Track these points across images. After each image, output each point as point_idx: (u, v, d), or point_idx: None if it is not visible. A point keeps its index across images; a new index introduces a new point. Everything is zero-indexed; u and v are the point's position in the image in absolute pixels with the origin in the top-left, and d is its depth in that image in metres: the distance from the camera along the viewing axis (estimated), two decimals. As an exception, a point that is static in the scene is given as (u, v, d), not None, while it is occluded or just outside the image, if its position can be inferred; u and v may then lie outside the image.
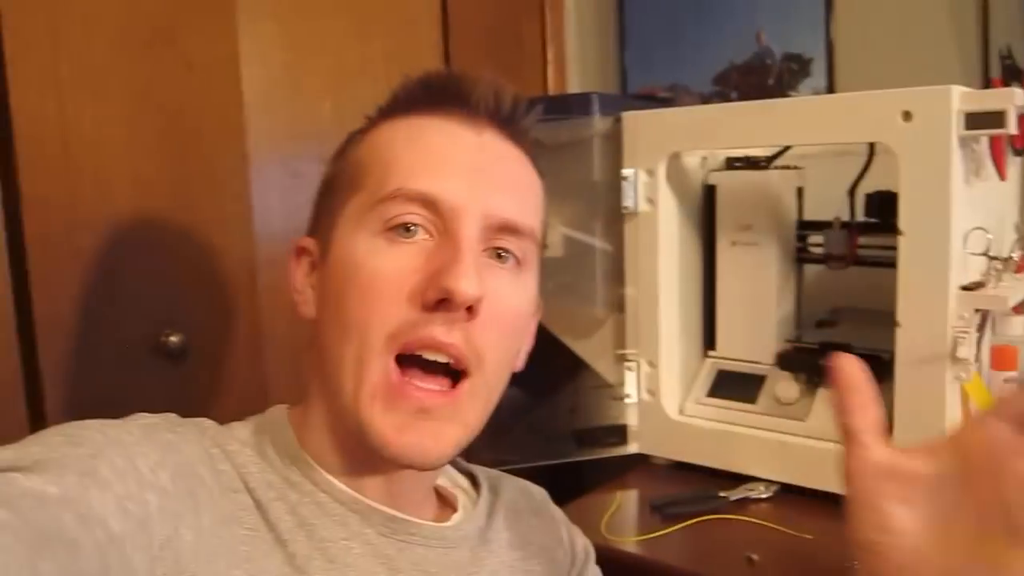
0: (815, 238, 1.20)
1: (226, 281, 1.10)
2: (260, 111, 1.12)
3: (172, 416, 0.60)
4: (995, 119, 0.91)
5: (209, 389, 1.09)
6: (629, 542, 1.02)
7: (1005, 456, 0.45)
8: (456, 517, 0.69)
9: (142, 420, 0.57)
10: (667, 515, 1.06)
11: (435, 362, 0.59)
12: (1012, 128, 0.91)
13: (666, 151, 1.17)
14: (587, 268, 1.27)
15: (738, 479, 1.13)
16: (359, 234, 0.61)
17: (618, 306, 1.26)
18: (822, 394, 1.14)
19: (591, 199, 1.25)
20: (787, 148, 1.21)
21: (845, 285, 1.26)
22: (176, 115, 1.04)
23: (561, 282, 1.29)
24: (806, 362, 1.16)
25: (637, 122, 1.18)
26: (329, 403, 0.63)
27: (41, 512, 0.42)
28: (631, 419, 1.25)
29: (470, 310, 0.58)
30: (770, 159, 1.23)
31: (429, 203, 0.59)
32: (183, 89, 1.04)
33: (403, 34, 1.33)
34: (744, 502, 1.08)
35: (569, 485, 1.19)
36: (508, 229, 0.62)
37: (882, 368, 1.06)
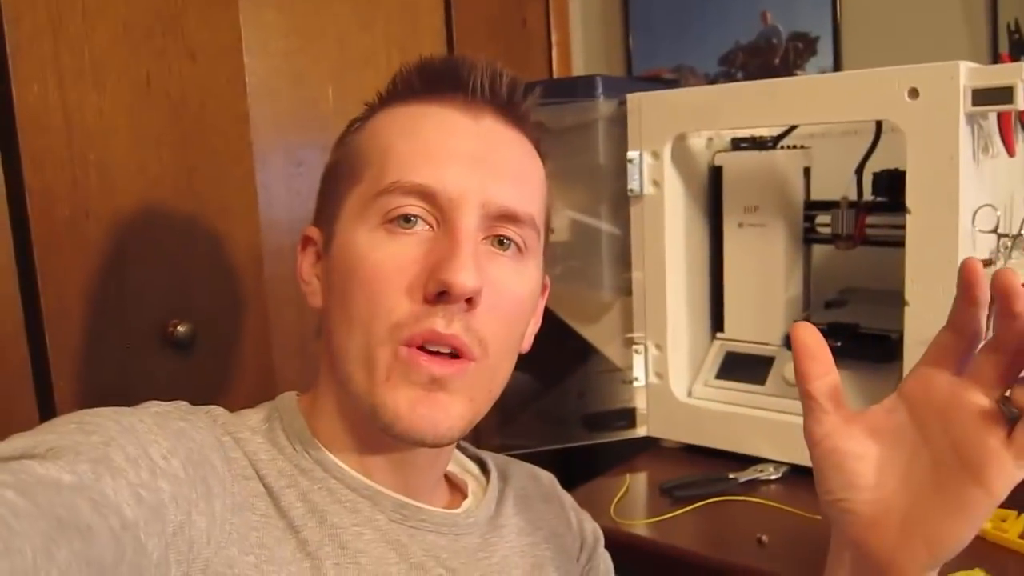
0: (823, 218, 1.19)
1: (233, 270, 1.10)
2: (263, 99, 1.12)
3: (183, 404, 0.61)
4: (1003, 95, 0.90)
5: (217, 378, 1.09)
6: (639, 525, 1.02)
7: (947, 399, 0.49)
8: (466, 503, 0.69)
9: (154, 408, 0.58)
10: (676, 498, 1.06)
11: (437, 352, 0.59)
12: (1021, 104, 0.90)
13: (671, 133, 1.16)
14: (594, 252, 1.27)
15: (747, 461, 1.13)
16: (360, 226, 0.61)
17: (625, 290, 1.25)
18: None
19: (597, 183, 1.25)
20: (793, 128, 1.20)
21: (853, 265, 1.25)
22: (179, 104, 1.04)
23: (568, 266, 1.29)
24: (814, 343, 1.16)
25: (642, 104, 1.18)
26: (339, 390, 0.63)
27: (56, 499, 0.42)
28: (640, 402, 1.25)
29: (469, 301, 0.58)
30: (776, 139, 1.22)
31: (427, 195, 0.59)
32: (186, 78, 1.04)
33: (405, 20, 1.32)
34: (753, 484, 1.08)
35: (578, 469, 1.20)
36: (508, 217, 0.61)
37: (891, 347, 1.06)
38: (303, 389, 0.69)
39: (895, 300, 1.00)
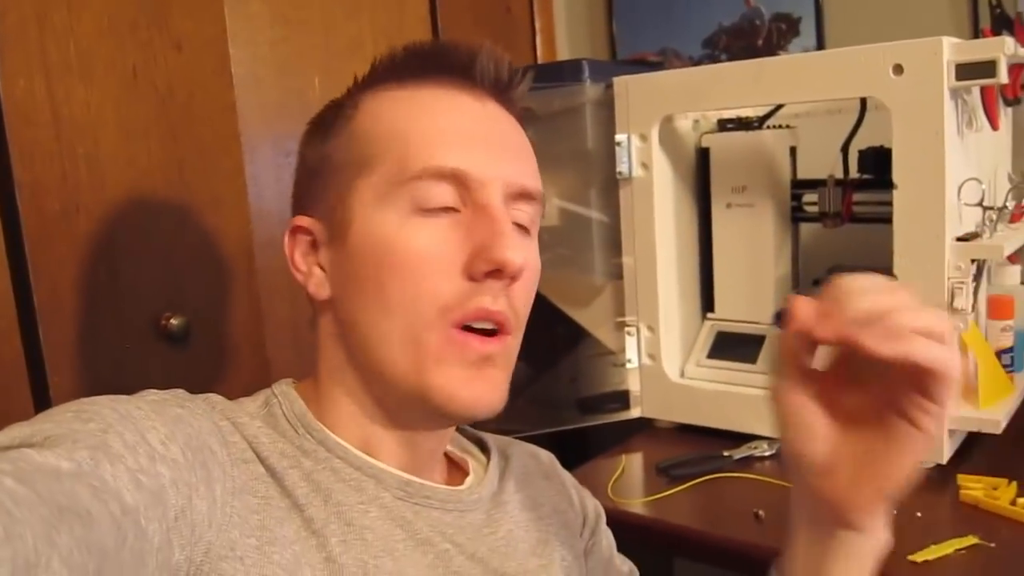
0: (810, 197, 1.20)
1: (224, 262, 1.10)
2: (250, 90, 1.12)
3: (180, 392, 0.61)
4: (986, 69, 0.91)
5: (212, 369, 1.09)
6: (636, 504, 1.03)
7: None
8: (469, 481, 0.70)
9: (151, 396, 0.58)
10: (673, 476, 1.07)
11: (483, 329, 0.61)
12: (1003, 77, 0.91)
13: (659, 115, 1.17)
14: (584, 237, 1.28)
15: (741, 438, 1.14)
16: (387, 214, 0.61)
17: (616, 273, 1.26)
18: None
19: (585, 167, 1.25)
20: (779, 107, 1.21)
21: (841, 243, 1.26)
22: (167, 96, 1.03)
23: (559, 253, 1.29)
24: (805, 320, 1.17)
25: (628, 86, 1.18)
26: (364, 378, 0.64)
27: (55, 486, 0.43)
28: (633, 384, 1.26)
29: (512, 277, 0.61)
30: (762, 119, 1.23)
31: (459, 179, 0.61)
32: (172, 69, 1.04)
33: (391, 8, 1.32)
34: (748, 460, 1.10)
35: (574, 452, 1.20)
36: (523, 196, 0.64)
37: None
38: (298, 377, 0.69)
39: (883, 276, 1.00)
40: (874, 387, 0.53)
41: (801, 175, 1.24)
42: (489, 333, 0.61)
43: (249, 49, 1.12)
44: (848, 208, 1.14)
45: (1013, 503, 0.89)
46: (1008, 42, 0.91)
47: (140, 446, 0.50)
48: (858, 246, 1.21)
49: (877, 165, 1.09)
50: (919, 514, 0.91)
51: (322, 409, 0.65)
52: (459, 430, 0.76)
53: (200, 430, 0.56)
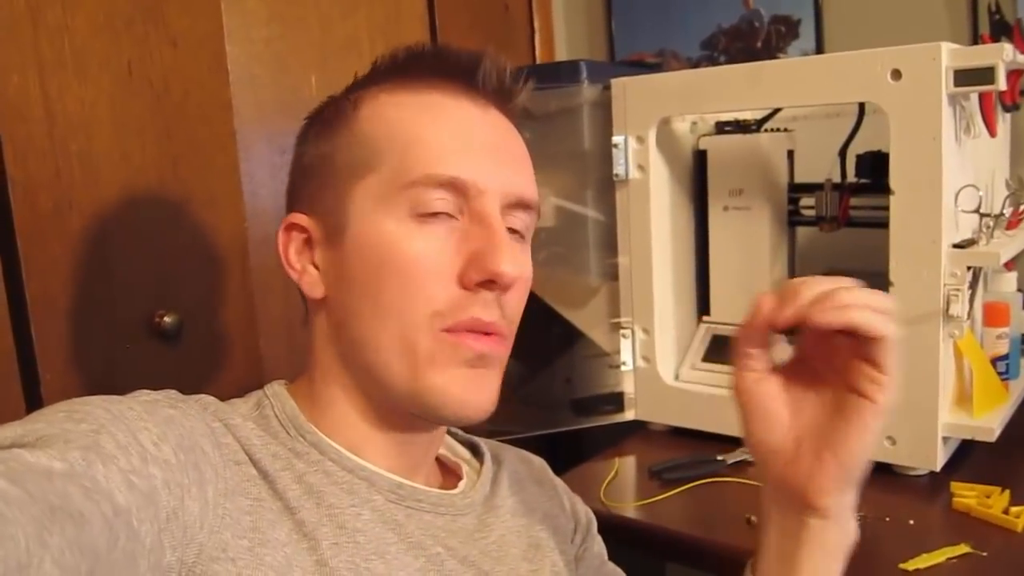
0: (807, 200, 1.20)
1: (218, 260, 1.10)
2: (246, 87, 1.11)
3: (173, 392, 0.60)
4: (984, 75, 0.91)
5: (205, 368, 1.09)
6: (628, 508, 1.03)
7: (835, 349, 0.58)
8: (462, 485, 0.70)
9: (143, 396, 0.58)
10: (666, 480, 1.07)
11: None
12: (1001, 84, 0.91)
13: (656, 117, 1.16)
14: (580, 238, 1.27)
15: (735, 442, 1.13)
16: (385, 217, 0.61)
17: (612, 275, 1.26)
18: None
19: (582, 168, 1.25)
20: (777, 111, 1.21)
21: (838, 247, 1.26)
22: (162, 93, 1.03)
23: (554, 252, 1.29)
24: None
25: (626, 88, 1.18)
26: (356, 378, 0.64)
27: (47, 486, 0.42)
28: (627, 386, 1.26)
29: (505, 288, 0.61)
30: (760, 122, 1.23)
31: (458, 187, 0.61)
32: (168, 66, 1.03)
33: (388, 6, 1.32)
34: (742, 465, 1.09)
35: (567, 454, 1.20)
36: (522, 205, 0.64)
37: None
38: (290, 378, 0.69)
39: (879, 281, 1.00)
40: (827, 373, 0.59)
41: (798, 179, 1.24)
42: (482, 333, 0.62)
43: (245, 46, 1.12)
44: (845, 212, 1.14)
45: (1006, 512, 0.89)
46: (1007, 48, 0.91)
47: (132, 447, 0.50)
48: (854, 250, 1.21)
49: (874, 170, 1.09)
50: (911, 522, 0.91)
51: (314, 409, 0.65)
52: (452, 434, 0.76)
53: (192, 431, 0.56)
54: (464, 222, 0.61)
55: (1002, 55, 0.90)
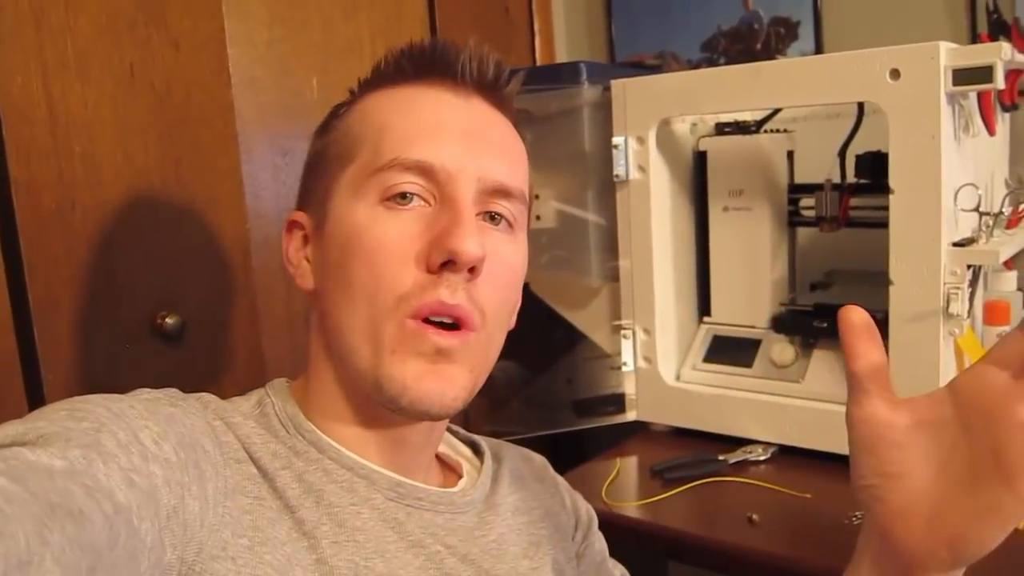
0: (807, 201, 1.20)
1: (221, 261, 1.10)
2: (247, 89, 1.12)
3: (173, 391, 0.61)
4: (983, 74, 0.91)
5: (207, 369, 1.09)
6: (630, 507, 1.03)
7: (998, 401, 0.46)
8: (462, 483, 0.70)
9: (144, 395, 0.58)
10: (667, 479, 1.07)
11: (442, 323, 0.60)
12: (1000, 83, 0.92)
13: (656, 117, 1.17)
14: (580, 239, 1.28)
15: (736, 442, 1.14)
16: (358, 204, 0.62)
17: (613, 276, 1.26)
18: (817, 356, 1.15)
19: (582, 170, 1.25)
20: (777, 112, 1.21)
21: (838, 247, 1.26)
22: (164, 95, 1.03)
23: (555, 254, 1.29)
24: (801, 325, 1.17)
25: (626, 89, 1.18)
26: (337, 369, 0.64)
27: (48, 485, 0.42)
28: (629, 387, 1.26)
29: (472, 270, 0.60)
30: (760, 123, 1.23)
31: (425, 171, 0.61)
32: (170, 68, 1.04)
33: (389, 9, 1.32)
34: (743, 464, 1.09)
35: (569, 454, 1.20)
36: (501, 192, 0.63)
37: (877, 328, 1.07)
38: (293, 377, 0.70)
39: (880, 280, 1.01)
40: (979, 437, 0.47)
41: (798, 179, 1.24)
42: (450, 327, 0.60)
43: (247, 49, 1.12)
44: (845, 212, 1.14)
45: None
46: (1005, 47, 0.92)
47: (133, 445, 0.50)
48: (855, 250, 1.22)
49: (874, 170, 1.09)
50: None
51: (313, 406, 0.65)
52: (453, 432, 0.77)
53: (193, 429, 0.56)
54: (435, 208, 0.61)
55: (1000, 54, 0.91)
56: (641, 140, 1.18)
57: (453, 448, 0.75)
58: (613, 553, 0.81)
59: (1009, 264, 1.09)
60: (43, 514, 0.40)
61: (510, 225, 0.65)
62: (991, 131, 1.03)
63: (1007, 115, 1.13)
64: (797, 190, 1.22)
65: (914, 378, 0.96)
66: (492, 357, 0.65)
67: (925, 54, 0.93)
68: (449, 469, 0.73)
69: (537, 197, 1.26)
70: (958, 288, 0.95)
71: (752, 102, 1.14)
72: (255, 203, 1.13)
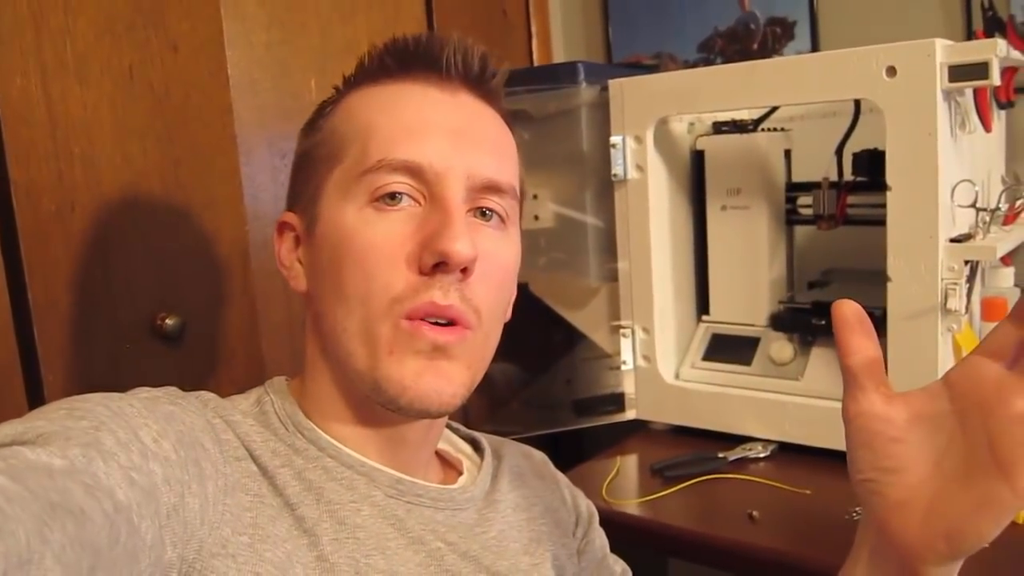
0: (804, 199, 1.21)
1: (220, 263, 1.10)
2: (246, 92, 1.12)
3: (173, 389, 0.61)
4: (979, 71, 0.92)
5: (206, 370, 1.09)
6: (630, 505, 1.03)
7: (992, 393, 0.46)
8: (462, 480, 0.70)
9: (143, 393, 0.58)
10: (667, 477, 1.07)
11: (436, 323, 0.60)
12: (996, 79, 0.92)
13: (654, 117, 1.17)
14: (579, 239, 1.28)
15: (736, 440, 1.14)
16: (346, 206, 0.61)
17: (611, 276, 1.26)
18: (816, 353, 1.15)
19: (580, 170, 1.26)
20: (774, 110, 1.21)
21: (836, 245, 1.27)
22: (163, 97, 1.03)
23: (554, 255, 1.30)
24: (799, 322, 1.17)
25: (624, 89, 1.18)
26: (334, 370, 0.64)
27: (48, 483, 0.43)
28: (628, 386, 1.26)
29: (464, 271, 0.59)
30: (757, 122, 1.24)
31: (413, 170, 0.60)
32: (169, 70, 1.04)
33: (387, 11, 1.32)
34: (743, 462, 1.10)
35: (569, 453, 1.21)
36: (491, 188, 0.63)
37: (875, 324, 1.07)
38: (291, 377, 0.70)
39: (877, 278, 1.01)
40: (975, 430, 0.47)
41: (796, 177, 1.24)
42: (445, 325, 0.60)
43: (245, 51, 1.12)
44: (842, 210, 1.14)
45: None
46: (1001, 44, 0.92)
47: (133, 443, 0.50)
48: (852, 248, 1.22)
49: (871, 167, 1.10)
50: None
51: (312, 407, 0.65)
52: (453, 429, 0.77)
53: (192, 427, 0.56)
54: (426, 208, 0.61)
55: (996, 51, 0.91)
56: (639, 139, 1.18)
57: (453, 445, 0.75)
58: (614, 551, 0.81)
59: (1006, 260, 1.09)
60: (43, 513, 0.40)
61: (502, 220, 0.64)
62: (987, 128, 1.03)
63: (1003, 112, 1.13)
64: (795, 188, 1.23)
65: (912, 374, 0.96)
66: (489, 353, 0.65)
67: (921, 51, 0.94)
68: (449, 466, 0.73)
69: (535, 197, 1.26)
70: (956, 284, 0.95)
71: (749, 100, 1.15)
72: (254, 204, 1.13)
